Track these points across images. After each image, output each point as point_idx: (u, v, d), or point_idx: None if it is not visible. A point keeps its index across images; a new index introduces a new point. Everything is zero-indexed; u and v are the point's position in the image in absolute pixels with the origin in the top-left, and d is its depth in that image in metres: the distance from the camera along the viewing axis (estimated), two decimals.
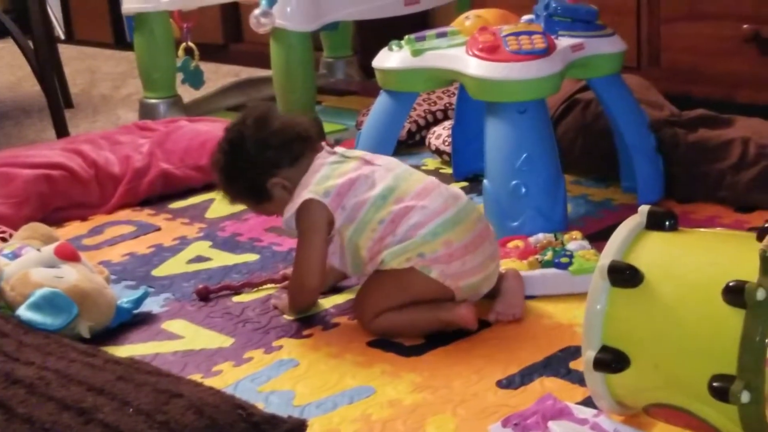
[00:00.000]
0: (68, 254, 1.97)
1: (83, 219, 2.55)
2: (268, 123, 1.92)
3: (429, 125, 2.90)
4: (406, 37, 2.29)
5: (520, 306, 1.87)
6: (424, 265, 1.79)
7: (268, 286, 2.08)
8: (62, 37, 4.89)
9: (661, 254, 1.43)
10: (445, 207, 1.82)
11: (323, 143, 1.95)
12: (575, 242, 2.04)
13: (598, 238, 2.03)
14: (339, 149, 1.94)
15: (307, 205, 1.84)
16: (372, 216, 1.82)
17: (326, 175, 1.86)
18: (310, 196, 1.83)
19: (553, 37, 2.21)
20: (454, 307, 1.81)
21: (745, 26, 2.72)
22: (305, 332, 1.90)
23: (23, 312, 1.82)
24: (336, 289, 2.03)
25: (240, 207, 2.14)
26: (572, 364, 1.71)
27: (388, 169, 1.87)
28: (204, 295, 2.06)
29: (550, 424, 1.49)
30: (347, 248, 1.86)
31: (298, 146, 1.91)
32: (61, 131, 3.28)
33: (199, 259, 2.27)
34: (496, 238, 1.90)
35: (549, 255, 1.99)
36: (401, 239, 1.80)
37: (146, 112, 3.29)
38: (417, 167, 2.71)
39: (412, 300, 1.81)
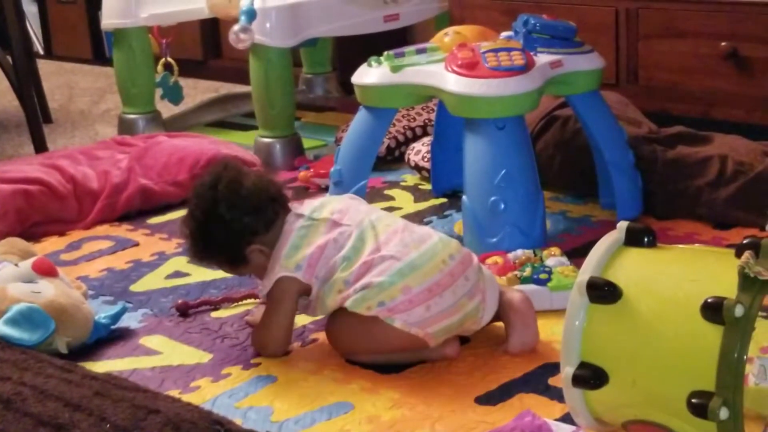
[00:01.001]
0: (46, 269, 1.96)
1: (61, 234, 2.54)
2: (240, 187, 1.86)
3: (408, 141, 2.90)
4: (386, 53, 2.29)
5: (532, 343, 1.82)
6: (387, 316, 1.75)
7: (247, 301, 2.08)
8: (41, 52, 4.88)
9: (639, 270, 1.43)
10: (404, 253, 1.78)
11: (290, 204, 1.90)
12: (554, 258, 2.04)
13: (577, 255, 2.03)
14: (306, 209, 1.88)
15: (280, 280, 1.83)
16: (339, 276, 1.80)
17: (295, 245, 1.83)
18: (283, 274, 1.82)
19: (531, 53, 2.22)
20: (439, 349, 1.80)
21: (722, 44, 2.73)
22: None
23: (0, 327, 1.81)
24: None
25: None
26: (551, 381, 1.71)
27: (357, 226, 1.84)
28: (183, 310, 2.05)
29: None
30: (318, 303, 1.84)
31: (272, 210, 1.86)
32: (40, 146, 3.27)
33: (178, 274, 2.26)
34: (479, 270, 1.83)
35: (528, 271, 1.99)
36: (361, 288, 1.77)
37: (125, 127, 3.29)
38: (396, 183, 2.75)
39: (383, 350, 1.79)
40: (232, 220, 1.84)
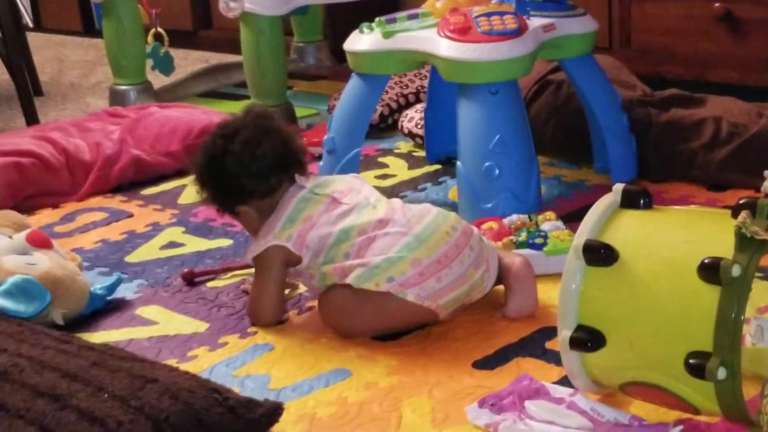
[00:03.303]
0: (40, 241, 1.96)
1: (54, 207, 2.53)
2: (256, 147, 1.84)
3: (401, 108, 2.90)
4: (377, 19, 2.28)
5: (530, 308, 1.82)
6: (399, 291, 1.74)
7: (248, 270, 2.06)
8: (30, 25, 4.85)
9: (635, 232, 1.43)
10: (408, 228, 1.77)
11: (297, 175, 1.88)
12: (549, 223, 2.04)
13: (571, 219, 2.03)
14: (311, 182, 1.88)
15: (269, 248, 1.82)
16: (338, 248, 1.78)
17: (292, 217, 1.82)
18: (274, 243, 1.81)
19: (524, 17, 2.21)
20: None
21: (716, 5, 2.72)
22: None
23: None
24: None
25: None
26: (548, 344, 1.71)
27: (355, 205, 1.82)
28: (189, 279, 2.04)
29: (527, 403, 1.49)
30: (317, 276, 1.83)
31: (277, 179, 1.85)
32: (31, 119, 3.26)
33: (173, 245, 2.26)
34: (481, 240, 1.83)
35: (523, 236, 1.99)
36: (365, 264, 1.76)
37: (116, 98, 3.27)
38: (390, 151, 2.74)
39: (391, 326, 1.77)
40: (233, 178, 1.84)
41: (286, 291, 1.92)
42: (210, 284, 2.04)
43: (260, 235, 1.84)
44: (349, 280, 1.77)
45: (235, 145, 1.85)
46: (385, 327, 1.78)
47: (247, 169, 1.84)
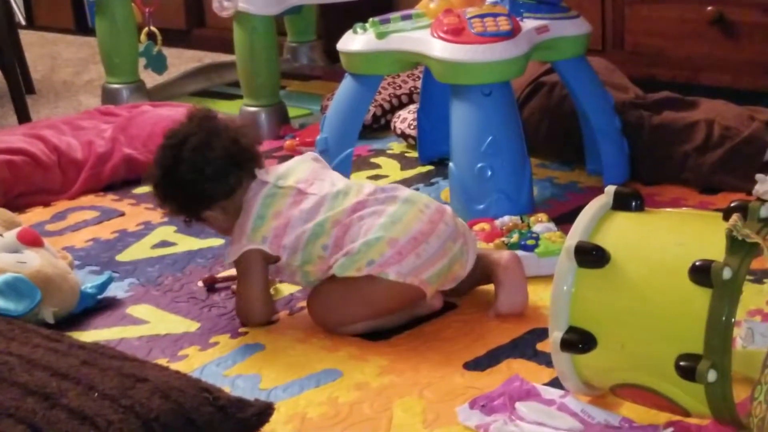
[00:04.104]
0: (31, 239, 1.95)
1: (46, 205, 2.52)
2: (208, 150, 1.83)
3: (394, 109, 2.89)
4: (371, 19, 2.28)
5: (522, 302, 1.82)
6: (380, 271, 1.74)
7: None
8: (23, 22, 4.84)
9: (627, 234, 1.43)
10: (382, 210, 1.79)
11: (256, 169, 1.87)
12: (541, 225, 2.04)
13: (563, 221, 2.03)
14: (272, 176, 1.86)
15: (246, 252, 1.81)
16: (315, 243, 1.79)
17: (260, 215, 1.81)
18: (249, 247, 1.81)
19: (517, 19, 2.21)
20: (426, 303, 1.80)
21: (708, 8, 2.73)
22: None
23: None
24: None
25: None
26: (539, 346, 1.71)
27: (323, 196, 1.82)
28: (210, 285, 2.03)
29: (518, 405, 1.49)
30: (298, 273, 1.83)
31: (235, 177, 1.84)
32: (23, 117, 3.25)
33: (164, 244, 2.25)
34: (454, 216, 1.84)
35: (515, 237, 1.99)
36: (346, 252, 1.76)
37: (109, 97, 3.27)
38: (382, 151, 2.74)
39: (379, 311, 1.77)
40: (191, 183, 1.83)
41: (271, 292, 1.92)
42: (200, 283, 2.04)
43: (234, 237, 1.84)
44: (332, 271, 1.77)
45: (186, 153, 1.83)
46: (373, 313, 1.78)
47: (203, 174, 1.82)
